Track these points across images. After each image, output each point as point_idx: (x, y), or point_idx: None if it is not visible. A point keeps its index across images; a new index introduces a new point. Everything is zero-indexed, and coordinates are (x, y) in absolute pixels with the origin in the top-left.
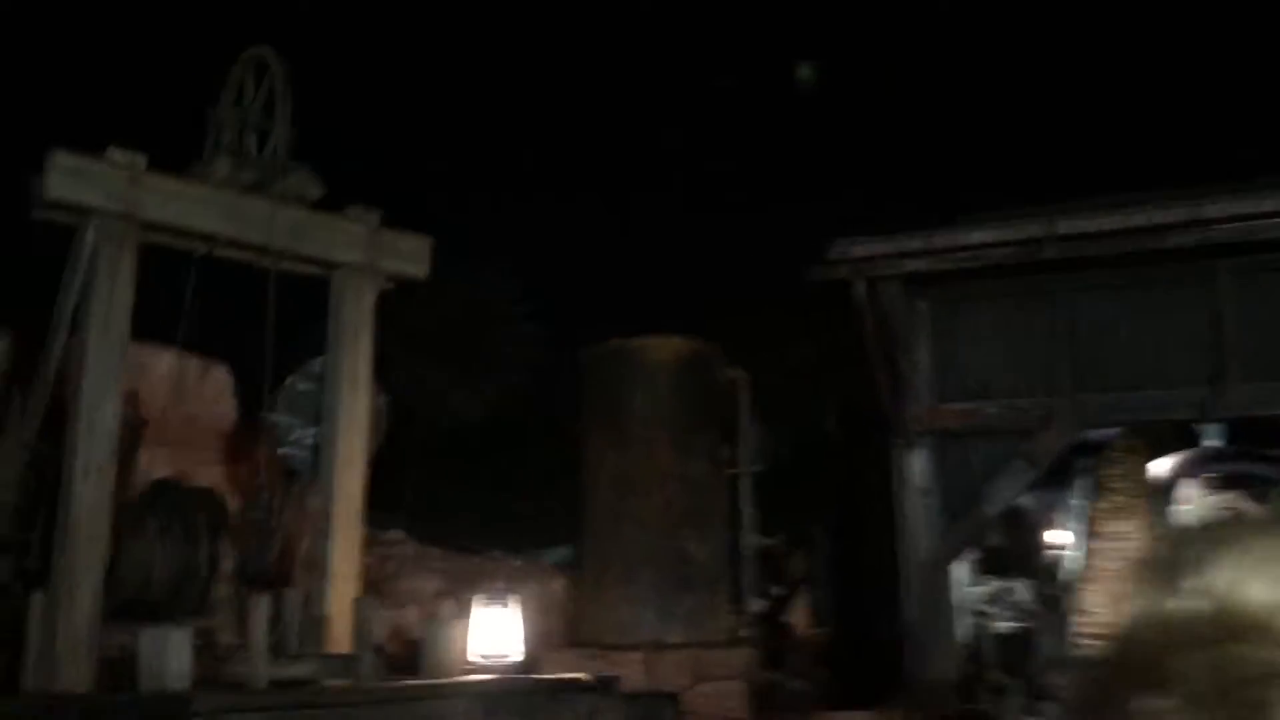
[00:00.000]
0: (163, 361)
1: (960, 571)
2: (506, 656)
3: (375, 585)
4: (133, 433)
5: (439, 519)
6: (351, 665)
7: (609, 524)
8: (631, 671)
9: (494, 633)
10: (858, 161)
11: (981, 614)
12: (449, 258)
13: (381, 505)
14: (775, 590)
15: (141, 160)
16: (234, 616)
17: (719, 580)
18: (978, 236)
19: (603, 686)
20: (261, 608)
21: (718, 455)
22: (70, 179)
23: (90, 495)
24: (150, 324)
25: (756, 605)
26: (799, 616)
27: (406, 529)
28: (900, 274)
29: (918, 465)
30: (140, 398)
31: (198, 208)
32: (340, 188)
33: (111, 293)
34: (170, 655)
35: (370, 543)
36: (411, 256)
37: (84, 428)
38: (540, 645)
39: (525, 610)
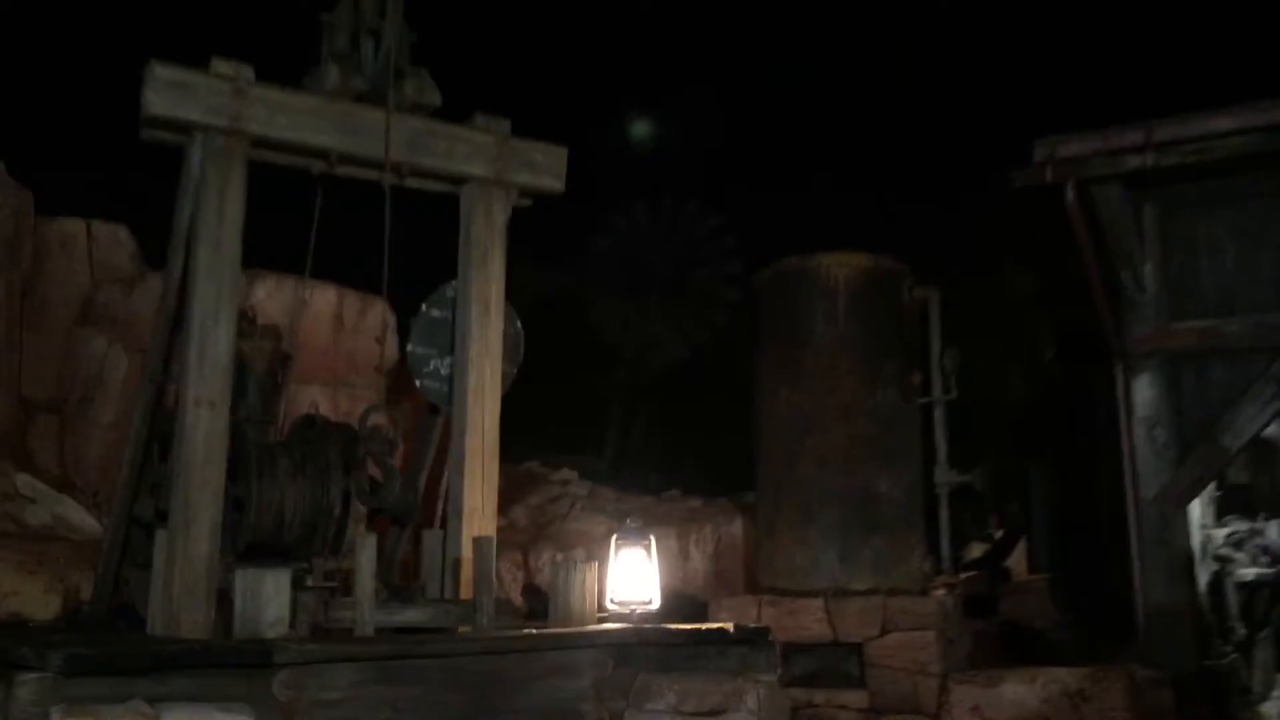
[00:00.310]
0: (322, 297)
1: (1197, 512)
2: (647, 603)
3: (542, 527)
4: (276, 368)
5: (643, 460)
6: (471, 612)
7: (784, 461)
8: (810, 620)
9: (631, 577)
10: (1063, 57)
11: (1224, 559)
12: (637, 189)
13: (585, 448)
14: (995, 533)
15: (247, 71)
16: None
17: (910, 521)
18: (1213, 125)
19: (753, 638)
20: (368, 548)
21: (907, 383)
22: (171, 93)
23: (203, 428)
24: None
25: (976, 549)
26: (1016, 561)
27: (610, 471)
28: (1118, 174)
29: (1144, 393)
30: (284, 331)
31: (307, 120)
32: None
33: (221, 213)
34: (265, 599)
35: (539, 482)
36: (546, 168)
37: (194, 357)
38: (715, 590)
39: (698, 552)
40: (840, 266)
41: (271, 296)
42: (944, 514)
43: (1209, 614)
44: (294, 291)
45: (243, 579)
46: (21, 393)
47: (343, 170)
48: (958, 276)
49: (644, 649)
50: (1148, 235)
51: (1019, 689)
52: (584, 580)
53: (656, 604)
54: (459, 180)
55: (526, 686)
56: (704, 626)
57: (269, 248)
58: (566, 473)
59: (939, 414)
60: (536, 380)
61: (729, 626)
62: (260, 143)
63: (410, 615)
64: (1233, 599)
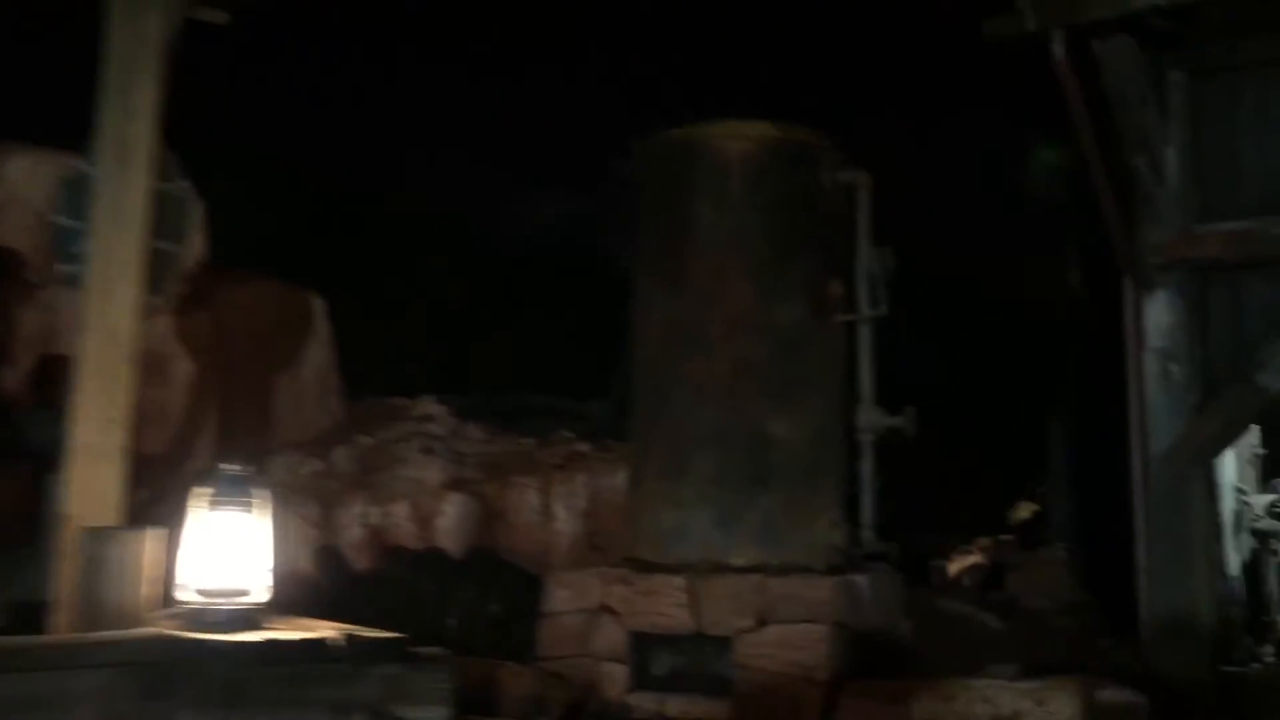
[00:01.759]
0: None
1: (1232, 473)
2: (242, 594)
3: (370, 473)
4: None
5: None
6: None
7: (655, 391)
8: (669, 604)
9: (224, 554)
10: None
11: (1265, 535)
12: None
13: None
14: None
15: None
16: None
17: (815, 475)
18: None
19: (375, 651)
20: None
21: (822, 294)
22: None
23: None
24: None
25: (1025, 509)
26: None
27: (616, 418)
28: (1125, 16)
29: (1158, 316)
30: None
31: None
32: None
33: None
34: None
35: (399, 417)
36: None
37: None
38: (582, 561)
39: (564, 510)
40: (733, 139)
41: (29, 175)
42: (866, 467)
43: (1241, 605)
44: (60, 169)
45: None
46: None
47: None
48: (950, 173)
49: (193, 671)
50: (1172, 109)
51: (934, 708)
52: (133, 558)
53: (264, 595)
54: None
55: None
56: (284, 637)
57: (28, 116)
58: (431, 406)
59: (864, 335)
60: (556, 318)
61: (333, 635)
62: None
63: None
64: (1275, 586)
